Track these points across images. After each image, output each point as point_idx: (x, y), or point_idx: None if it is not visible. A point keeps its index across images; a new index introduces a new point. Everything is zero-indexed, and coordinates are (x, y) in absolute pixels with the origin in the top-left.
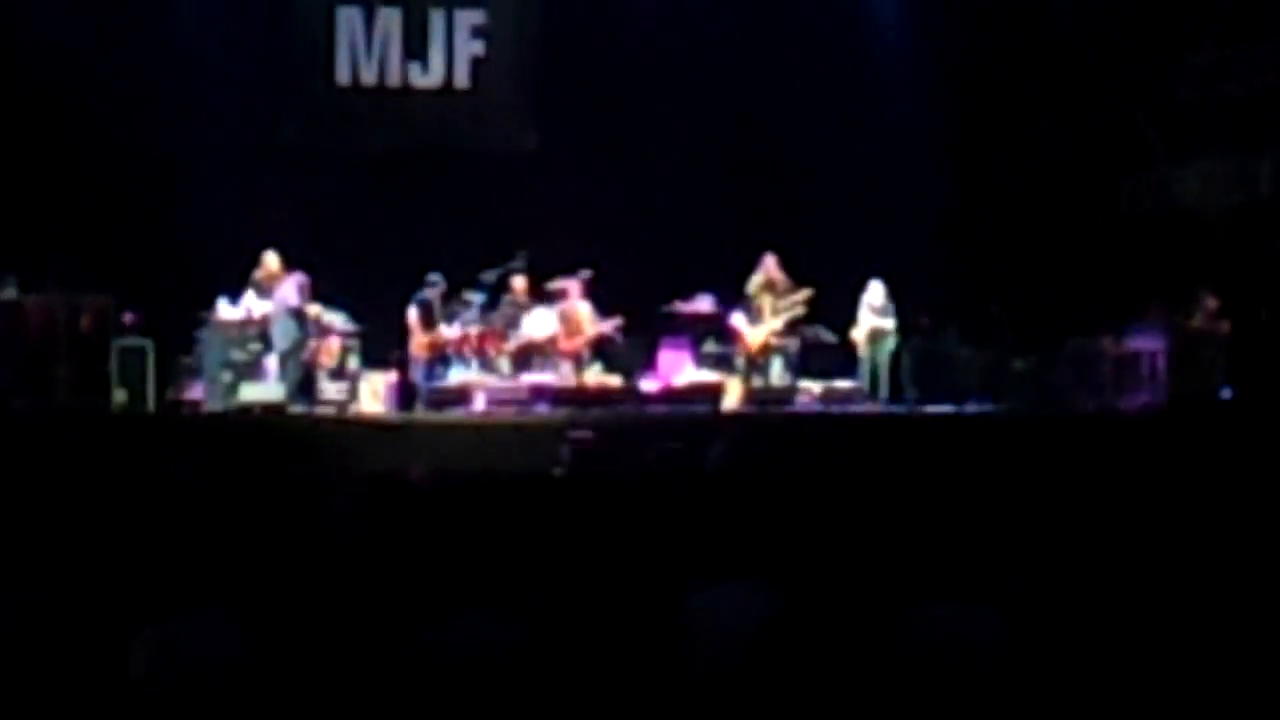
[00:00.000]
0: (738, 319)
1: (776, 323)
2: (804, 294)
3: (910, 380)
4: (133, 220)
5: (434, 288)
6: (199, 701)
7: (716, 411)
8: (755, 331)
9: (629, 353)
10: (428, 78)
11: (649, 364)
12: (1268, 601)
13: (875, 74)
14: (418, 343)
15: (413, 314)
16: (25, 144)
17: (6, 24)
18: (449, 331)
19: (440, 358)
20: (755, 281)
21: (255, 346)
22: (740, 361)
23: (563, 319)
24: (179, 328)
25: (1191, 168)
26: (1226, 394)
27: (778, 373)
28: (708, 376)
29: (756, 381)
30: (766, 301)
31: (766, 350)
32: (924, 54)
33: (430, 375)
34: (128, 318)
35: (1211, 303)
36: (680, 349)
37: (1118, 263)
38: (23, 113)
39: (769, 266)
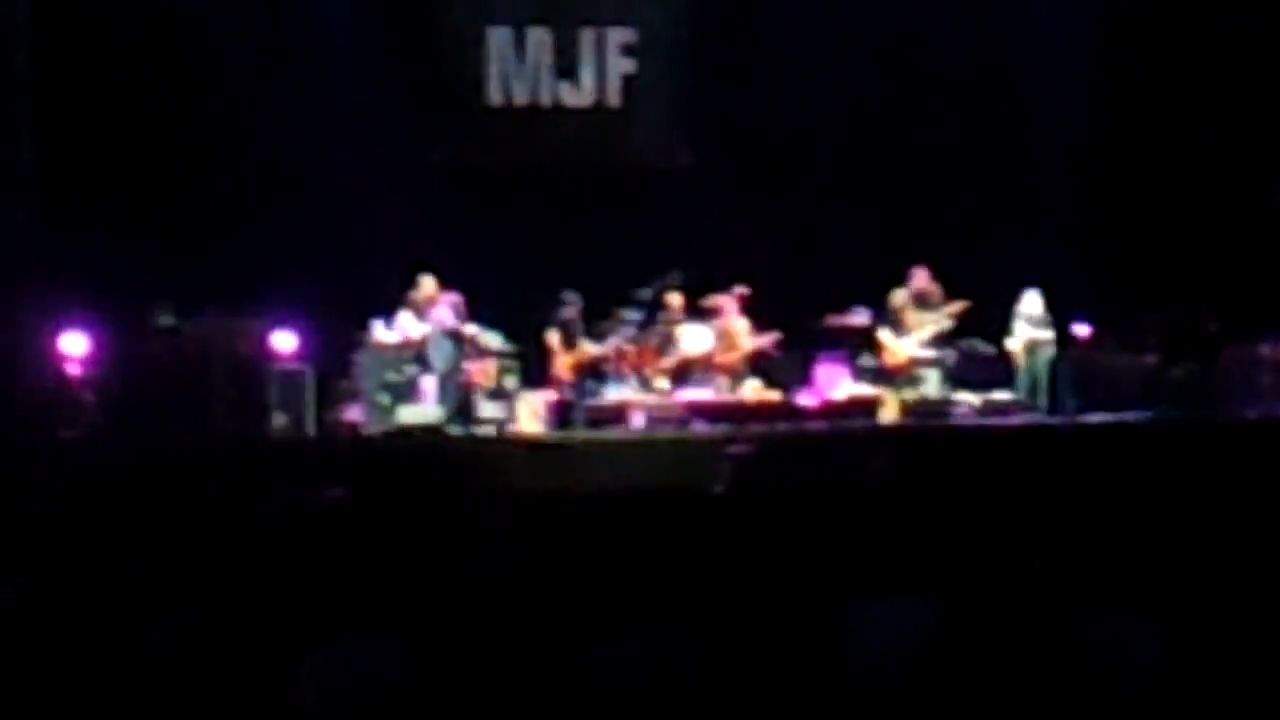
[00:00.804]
0: (882, 332)
1: (923, 334)
2: (957, 306)
3: (1069, 391)
4: (288, 244)
5: (570, 306)
6: None
7: (874, 425)
8: (900, 344)
9: (786, 367)
10: (579, 96)
11: (806, 379)
12: None
13: (1028, 80)
14: (561, 363)
15: (553, 335)
16: (181, 172)
17: (159, 56)
18: (593, 349)
19: (592, 375)
20: (898, 294)
21: (412, 368)
22: (896, 374)
23: (719, 335)
24: (336, 351)
25: None
26: None
27: (934, 385)
28: (865, 390)
29: (912, 395)
30: (911, 314)
31: (915, 363)
32: (1077, 59)
33: (580, 394)
34: (279, 342)
35: None
36: (837, 363)
37: (1275, 266)
38: (177, 141)
39: (919, 278)
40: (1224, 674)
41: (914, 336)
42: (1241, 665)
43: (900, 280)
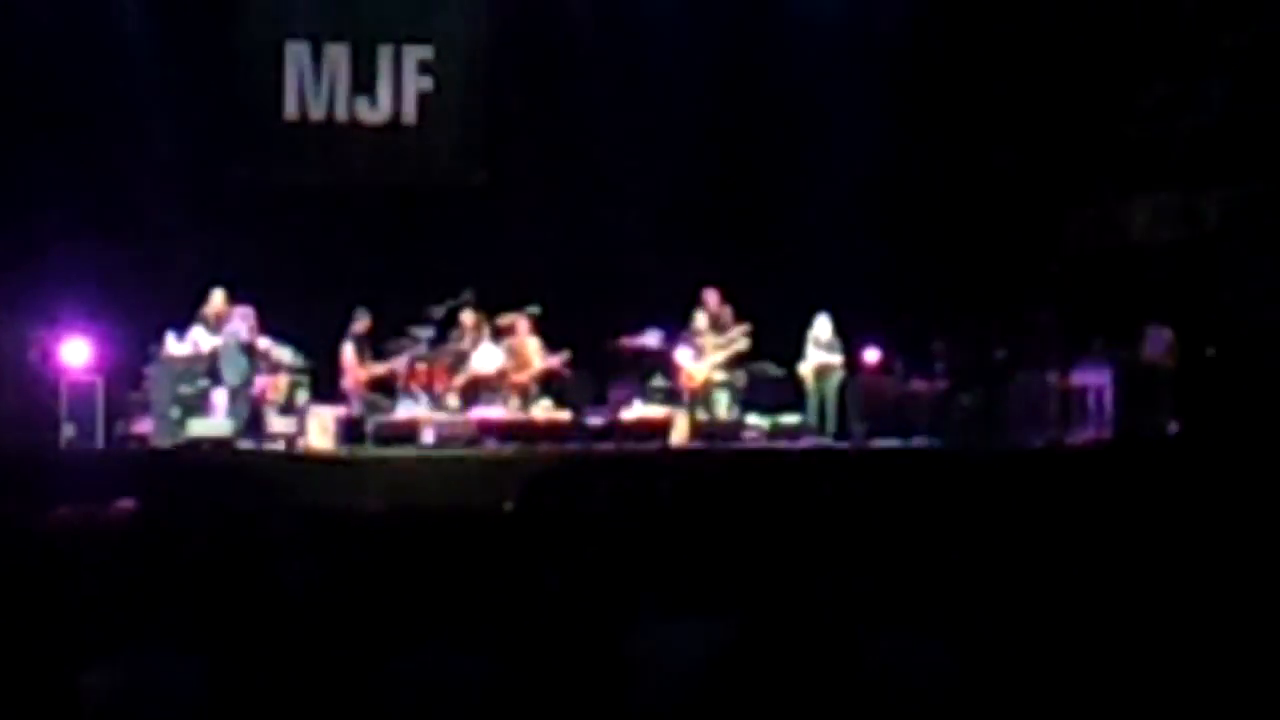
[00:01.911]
0: (681, 354)
1: (718, 357)
2: (741, 328)
3: (857, 415)
4: (83, 256)
5: (361, 322)
6: None
7: (664, 447)
8: (698, 367)
9: (577, 387)
10: (375, 113)
11: (598, 398)
12: (1209, 636)
13: (819, 108)
14: (353, 378)
15: (347, 350)
16: None
17: None
18: (383, 365)
19: (383, 391)
20: (700, 317)
21: (203, 381)
22: (686, 397)
23: (511, 353)
24: (128, 363)
25: (1138, 203)
26: (1174, 429)
27: (725, 408)
28: (655, 411)
29: (703, 416)
30: (708, 337)
31: (709, 386)
32: (869, 89)
33: (370, 410)
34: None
35: (1167, 335)
36: (628, 384)
37: (1064, 297)
38: None
39: (710, 301)
40: (1007, 688)
41: (710, 359)
42: (1023, 680)
43: (693, 301)
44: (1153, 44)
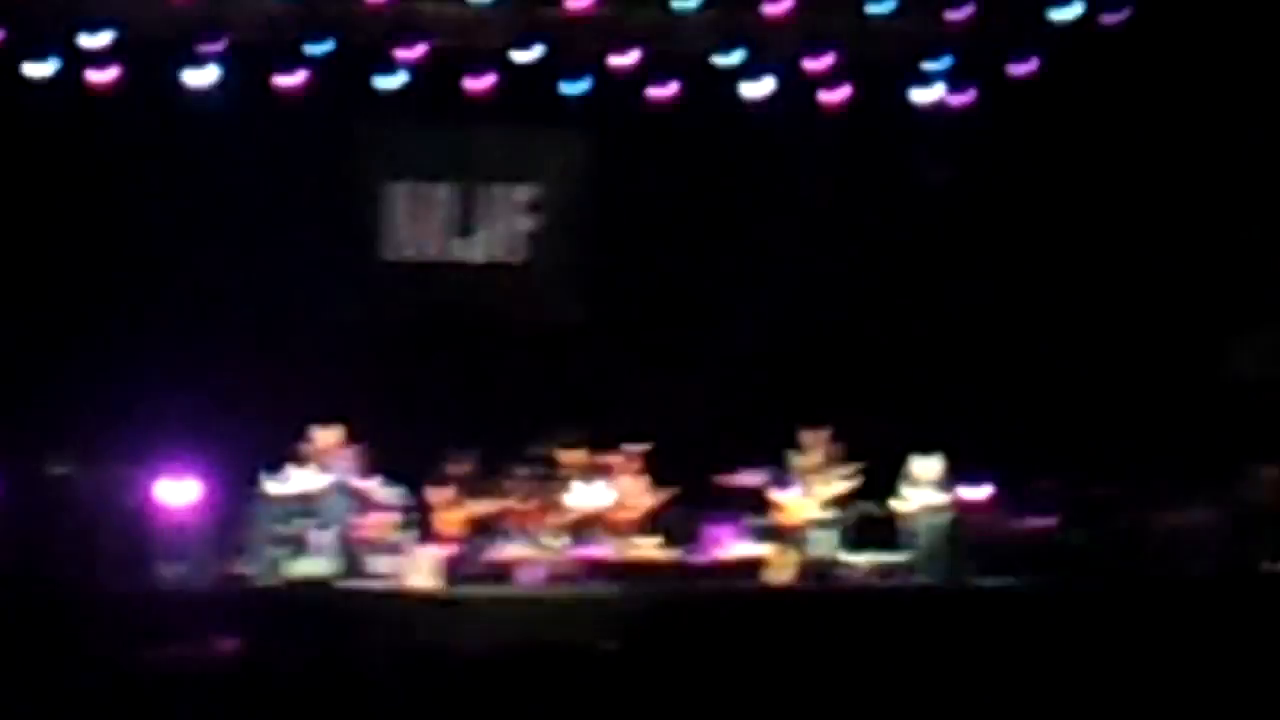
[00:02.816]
0: (784, 492)
1: (824, 495)
2: (852, 468)
3: (965, 555)
4: (179, 395)
5: (460, 463)
6: None
7: (765, 586)
8: (800, 504)
9: (680, 525)
10: (478, 252)
11: (699, 537)
12: None
13: (926, 245)
14: (445, 519)
15: (435, 492)
16: (83, 321)
17: (59, 201)
18: (483, 505)
19: (484, 531)
20: (806, 455)
21: (304, 521)
22: (791, 534)
23: (615, 492)
24: (229, 502)
25: (1244, 338)
26: None
27: (828, 546)
28: (756, 550)
29: (804, 555)
30: (816, 475)
31: (810, 524)
32: (976, 224)
33: (471, 550)
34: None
35: (1274, 473)
36: (729, 522)
37: (1170, 436)
38: (77, 291)
39: (819, 440)
40: None
41: (814, 497)
42: None
43: (797, 440)
44: None
